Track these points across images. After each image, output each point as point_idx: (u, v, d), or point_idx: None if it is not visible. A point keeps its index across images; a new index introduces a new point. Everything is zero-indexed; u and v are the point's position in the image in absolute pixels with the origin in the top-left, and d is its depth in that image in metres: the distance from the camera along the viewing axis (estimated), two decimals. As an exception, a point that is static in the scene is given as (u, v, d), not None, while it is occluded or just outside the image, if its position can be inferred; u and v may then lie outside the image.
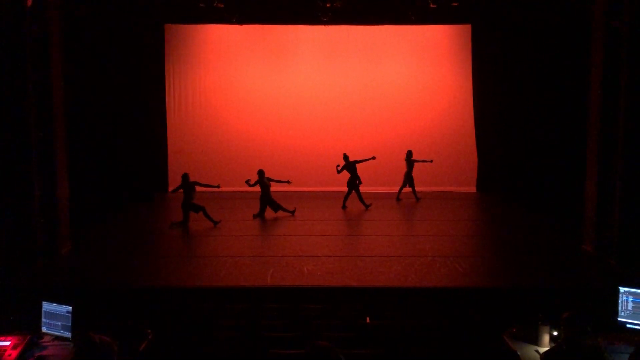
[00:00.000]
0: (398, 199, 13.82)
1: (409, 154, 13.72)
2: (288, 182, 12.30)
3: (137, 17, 13.58)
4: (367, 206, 12.75)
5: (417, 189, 13.90)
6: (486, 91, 14.82)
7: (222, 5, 12.57)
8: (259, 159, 14.78)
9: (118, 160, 12.94)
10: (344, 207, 12.93)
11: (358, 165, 12.84)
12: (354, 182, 12.82)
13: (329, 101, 15.33)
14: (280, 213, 12.10)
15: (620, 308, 5.08)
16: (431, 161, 13.67)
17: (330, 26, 14.15)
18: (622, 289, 5.11)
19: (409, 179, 13.74)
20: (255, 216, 11.89)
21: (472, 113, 15.16)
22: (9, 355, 4.69)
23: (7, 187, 8.36)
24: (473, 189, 15.17)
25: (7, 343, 4.84)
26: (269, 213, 12.05)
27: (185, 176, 11.31)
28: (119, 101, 13.05)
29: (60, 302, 5.08)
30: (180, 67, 15.35)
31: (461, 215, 12.41)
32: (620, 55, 8.35)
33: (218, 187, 11.76)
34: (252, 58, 15.30)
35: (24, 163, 8.46)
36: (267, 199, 12.01)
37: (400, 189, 13.88)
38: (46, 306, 5.11)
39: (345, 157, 12.86)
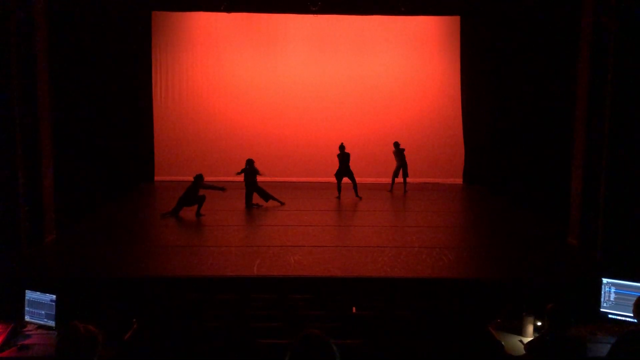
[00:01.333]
0: (391, 190, 13.82)
1: (397, 145, 13.71)
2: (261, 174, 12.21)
3: (124, 3, 13.40)
4: (338, 196, 12.82)
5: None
6: (474, 83, 14.88)
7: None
8: (246, 148, 14.74)
9: (104, 149, 12.80)
10: (339, 197, 12.95)
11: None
12: (342, 172, 12.87)
13: (317, 91, 15.29)
14: (271, 202, 12.06)
15: (602, 299, 5.14)
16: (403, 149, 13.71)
17: (319, 15, 14.10)
18: (604, 280, 5.17)
19: (403, 169, 13.74)
20: (253, 206, 11.86)
21: (459, 105, 15.22)
22: (-9, 343, 4.64)
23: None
24: (460, 181, 15.26)
25: (-10, 332, 4.79)
26: (232, 204, 11.99)
27: (199, 177, 11.24)
28: (105, 89, 12.89)
29: (44, 291, 5.03)
30: (167, 55, 15.21)
31: (447, 206, 12.48)
32: (608, 51, 8.39)
33: (223, 189, 11.64)
34: (240, 46, 15.19)
35: (9, 150, 8.33)
36: (254, 188, 11.97)
37: (393, 180, 13.88)
38: (30, 295, 5.05)
39: (342, 146, 12.91)
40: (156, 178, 15.02)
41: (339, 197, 12.89)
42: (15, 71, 8.35)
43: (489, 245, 9.34)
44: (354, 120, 15.22)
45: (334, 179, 13.04)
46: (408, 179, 13.86)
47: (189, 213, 11.09)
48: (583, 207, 9.00)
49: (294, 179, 14.60)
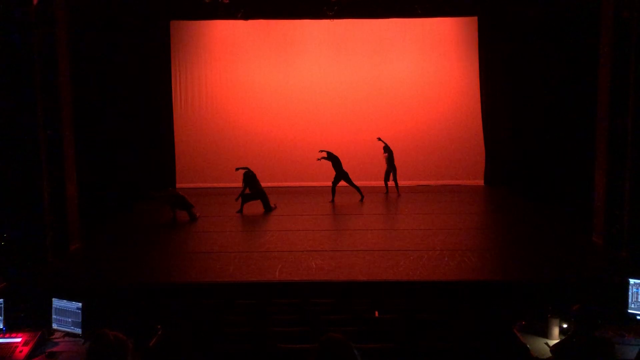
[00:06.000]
0: (398, 194, 13.71)
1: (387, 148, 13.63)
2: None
3: (143, 13, 13.60)
4: (332, 200, 12.88)
5: (424, 182, 13.83)
6: (493, 83, 14.75)
7: (228, 1, 12.59)
8: (265, 155, 14.85)
9: (126, 157, 12.99)
10: (362, 200, 12.95)
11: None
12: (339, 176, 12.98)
13: (336, 95, 15.30)
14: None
15: (630, 300, 5.05)
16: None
17: (336, 20, 14.13)
18: (632, 281, 5.07)
19: (393, 173, 13.67)
20: (271, 209, 11.99)
21: (479, 106, 15.09)
22: (20, 351, 4.73)
23: (17, 186, 8.42)
24: (481, 182, 15.12)
25: (19, 339, 4.88)
26: (256, 209, 12.08)
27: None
28: (125, 98, 13.10)
29: (70, 299, 5.12)
30: (186, 64, 15.37)
31: (469, 208, 12.37)
32: (629, 46, 8.27)
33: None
34: (258, 53, 15.29)
35: (33, 161, 8.51)
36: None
37: (397, 184, 13.77)
38: (56, 302, 5.14)
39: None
40: (178, 185, 15.14)
41: (332, 201, 12.92)
42: (39, 83, 8.53)
43: (511, 246, 9.24)
44: (373, 123, 15.16)
45: (354, 183, 13.04)
46: (424, 181, 13.76)
47: (206, 220, 11.18)
48: (607, 205, 8.86)
49: (314, 184, 14.61)
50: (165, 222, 11.30)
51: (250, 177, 11.89)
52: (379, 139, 13.52)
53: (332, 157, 12.97)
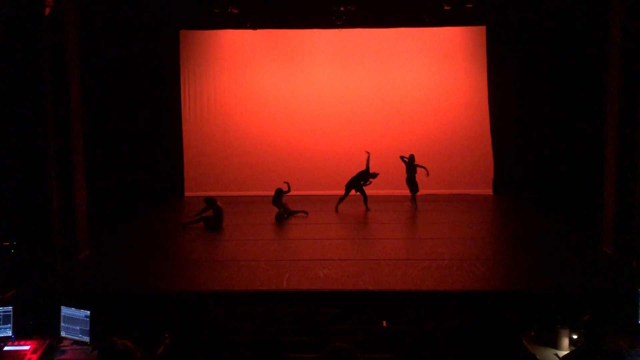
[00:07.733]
0: (415, 205, 13.52)
1: (412, 158, 13.50)
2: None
3: (152, 23, 13.72)
4: (337, 207, 12.88)
5: (433, 191, 13.74)
6: (502, 92, 14.73)
7: (237, 11, 12.67)
8: (274, 163, 14.89)
9: (135, 164, 13.07)
10: (367, 209, 12.91)
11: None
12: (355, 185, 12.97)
13: (344, 104, 15.32)
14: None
15: (641, 311, 5.01)
16: (427, 173, 13.30)
17: (344, 30, 14.17)
18: (642, 292, 5.03)
19: (413, 184, 13.50)
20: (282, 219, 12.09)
21: (487, 115, 15.06)
22: (29, 359, 4.75)
23: (26, 193, 8.47)
24: (490, 192, 15.07)
25: (27, 347, 4.91)
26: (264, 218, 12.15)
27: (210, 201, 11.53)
28: (135, 106, 13.19)
29: (78, 307, 5.14)
30: (195, 73, 15.46)
31: (478, 217, 12.32)
32: (638, 55, 8.24)
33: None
34: (266, 63, 15.36)
35: (43, 169, 8.56)
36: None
37: (414, 196, 13.53)
38: (65, 311, 5.17)
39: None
40: (187, 194, 15.21)
41: (339, 204, 12.94)
42: (48, 91, 8.60)
43: (520, 255, 9.17)
44: (380, 133, 15.17)
45: (380, 192, 13.03)
46: (433, 190, 13.65)
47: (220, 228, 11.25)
48: (617, 213, 8.80)
49: (321, 192, 14.61)
50: (174, 228, 11.33)
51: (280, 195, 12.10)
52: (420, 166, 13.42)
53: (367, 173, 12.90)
